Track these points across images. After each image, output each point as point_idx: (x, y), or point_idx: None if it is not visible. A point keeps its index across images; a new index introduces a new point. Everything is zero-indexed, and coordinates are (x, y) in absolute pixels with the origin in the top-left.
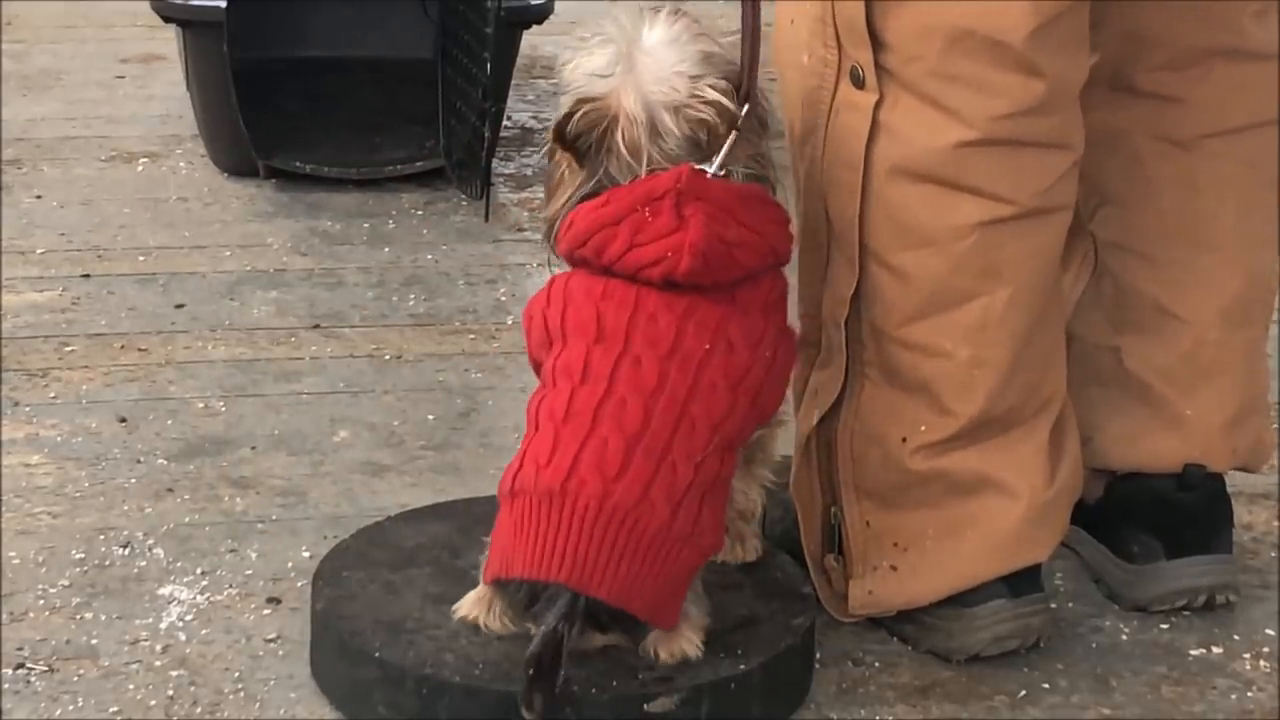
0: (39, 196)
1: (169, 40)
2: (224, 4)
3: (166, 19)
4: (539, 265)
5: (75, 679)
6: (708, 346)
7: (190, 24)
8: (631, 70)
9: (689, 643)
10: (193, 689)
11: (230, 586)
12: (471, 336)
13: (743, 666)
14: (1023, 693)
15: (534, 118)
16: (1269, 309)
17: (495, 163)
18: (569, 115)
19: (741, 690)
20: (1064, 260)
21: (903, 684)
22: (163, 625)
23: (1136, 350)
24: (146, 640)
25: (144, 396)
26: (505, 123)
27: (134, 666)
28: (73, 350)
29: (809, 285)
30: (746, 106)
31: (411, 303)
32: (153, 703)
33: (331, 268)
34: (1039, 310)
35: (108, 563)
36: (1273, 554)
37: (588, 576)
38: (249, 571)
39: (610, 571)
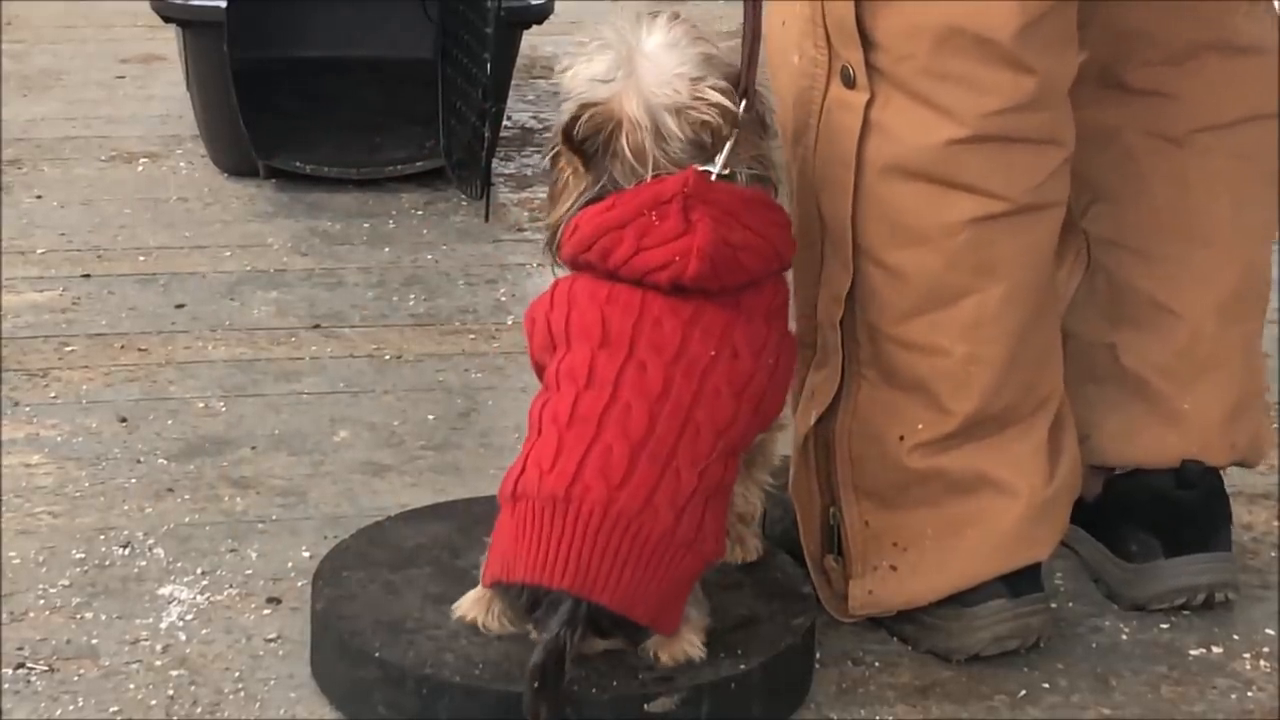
0: (39, 196)
1: (169, 40)
2: (224, 4)
3: (166, 19)
4: (539, 265)
5: (75, 679)
6: (713, 353)
7: (190, 24)
8: (633, 75)
9: (690, 645)
10: (193, 689)
11: (230, 586)
12: (471, 336)
13: (743, 666)
14: (1023, 693)
15: (534, 118)
16: (1265, 303)
17: (495, 163)
18: (575, 118)
19: (741, 690)
20: (1057, 257)
21: (903, 684)
22: (163, 625)
23: (1132, 346)
24: (147, 640)
25: (144, 396)
26: (505, 123)
27: (134, 666)
28: (73, 350)
29: (804, 286)
30: (744, 103)
31: (411, 303)
32: (153, 703)
33: (331, 268)
34: (1034, 307)
35: (108, 563)
36: (1273, 554)
37: (591, 583)
38: (249, 571)
39: (613, 578)
